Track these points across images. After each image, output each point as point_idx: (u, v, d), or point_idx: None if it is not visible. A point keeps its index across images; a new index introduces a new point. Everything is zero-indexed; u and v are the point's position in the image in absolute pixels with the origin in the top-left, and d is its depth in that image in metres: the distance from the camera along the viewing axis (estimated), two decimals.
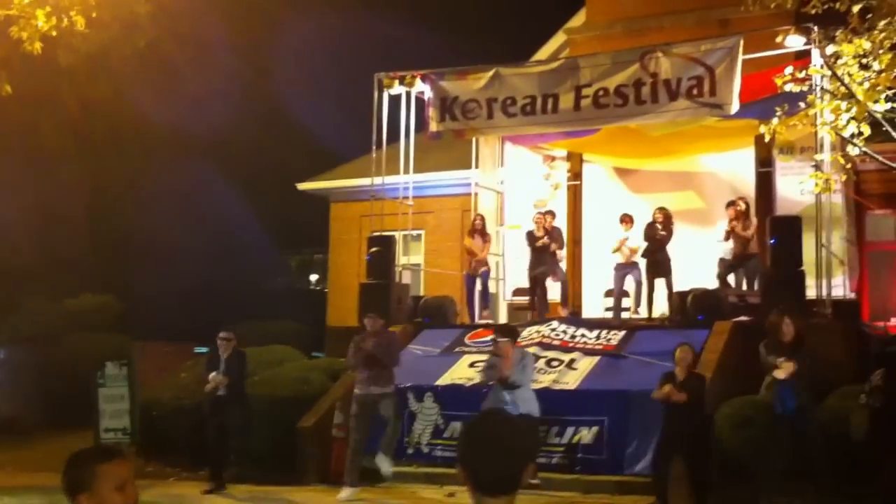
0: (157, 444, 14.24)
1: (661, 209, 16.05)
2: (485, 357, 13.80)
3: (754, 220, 15.36)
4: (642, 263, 16.03)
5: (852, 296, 15.11)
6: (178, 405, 14.35)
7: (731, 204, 15.61)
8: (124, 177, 26.91)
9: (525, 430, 2.78)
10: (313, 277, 32.62)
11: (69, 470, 3.12)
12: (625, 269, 16.17)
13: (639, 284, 16.07)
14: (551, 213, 17.17)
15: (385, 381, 11.79)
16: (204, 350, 13.29)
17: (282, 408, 13.27)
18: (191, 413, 13.88)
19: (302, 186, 22.45)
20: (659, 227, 15.81)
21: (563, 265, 17.42)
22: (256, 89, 28.56)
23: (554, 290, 16.92)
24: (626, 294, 16.34)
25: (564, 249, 17.42)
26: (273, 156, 28.77)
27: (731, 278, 15.53)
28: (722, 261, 15.55)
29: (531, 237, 16.67)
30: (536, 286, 16.66)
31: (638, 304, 16.06)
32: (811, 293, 13.80)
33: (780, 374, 10.16)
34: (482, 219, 17.58)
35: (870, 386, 9.56)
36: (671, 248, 15.91)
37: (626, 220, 16.28)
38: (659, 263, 15.79)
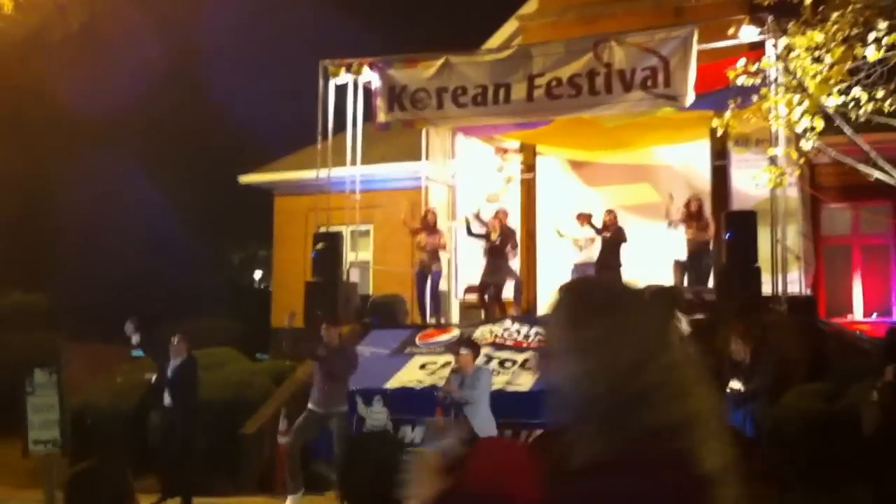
0: (92, 452, 14.22)
1: (608, 212, 16.38)
2: (435, 358, 14.07)
3: (711, 222, 15.68)
4: None
5: (808, 291, 15.54)
6: (114, 411, 14.31)
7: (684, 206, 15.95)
8: (53, 169, 26.72)
9: (399, 450, 2.80)
10: (257, 275, 32.59)
11: (108, 485, 3.06)
12: (581, 270, 16.38)
13: None
14: (504, 212, 17.38)
15: (341, 399, 12.00)
16: (141, 354, 13.26)
17: (222, 413, 13.22)
18: (128, 419, 13.89)
19: (244, 179, 22.44)
20: (606, 233, 16.12)
21: (517, 262, 17.63)
22: (195, 77, 28.50)
23: (507, 287, 17.13)
24: None
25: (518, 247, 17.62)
26: (213, 147, 28.69)
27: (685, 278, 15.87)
28: (677, 263, 15.87)
29: (487, 240, 16.75)
30: (486, 291, 16.76)
31: None
32: (767, 289, 14.20)
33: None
34: (434, 214, 17.69)
35: (882, 382, 9.59)
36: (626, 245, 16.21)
37: (583, 218, 16.50)
38: (604, 268, 16.07)
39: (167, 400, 12.31)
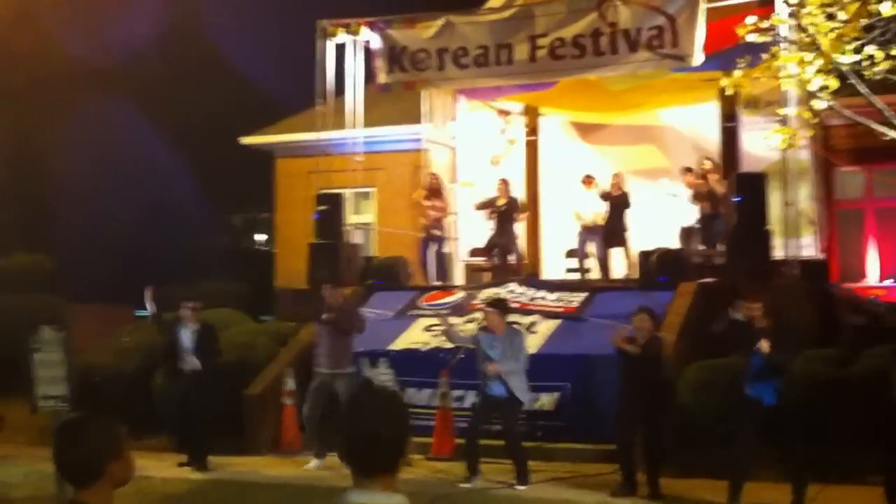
0: (98, 412, 14.02)
1: (615, 175, 16.13)
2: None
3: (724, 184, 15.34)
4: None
5: (821, 256, 15.26)
6: (120, 371, 14.20)
7: (688, 170, 15.66)
8: (52, 130, 26.42)
9: (399, 406, 2.70)
10: (259, 237, 32.33)
11: (93, 438, 2.94)
12: (588, 234, 16.21)
13: (601, 248, 16.16)
14: (504, 182, 17.09)
15: (346, 361, 11.88)
16: (145, 313, 13.01)
17: (227, 374, 12.85)
18: (134, 380, 13.76)
19: (245, 140, 22.20)
20: (607, 195, 15.89)
21: (523, 225, 17.44)
22: (193, 36, 28.05)
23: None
24: (586, 255, 16.39)
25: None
26: (213, 108, 28.31)
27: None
28: (684, 230, 15.58)
29: (493, 206, 16.56)
30: (493, 252, 16.66)
31: (604, 267, 16.13)
32: (780, 253, 13.95)
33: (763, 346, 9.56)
34: (437, 178, 17.41)
35: None
36: (631, 210, 15.96)
37: (588, 181, 16.27)
38: (611, 233, 15.85)
39: (193, 363, 11.91)
